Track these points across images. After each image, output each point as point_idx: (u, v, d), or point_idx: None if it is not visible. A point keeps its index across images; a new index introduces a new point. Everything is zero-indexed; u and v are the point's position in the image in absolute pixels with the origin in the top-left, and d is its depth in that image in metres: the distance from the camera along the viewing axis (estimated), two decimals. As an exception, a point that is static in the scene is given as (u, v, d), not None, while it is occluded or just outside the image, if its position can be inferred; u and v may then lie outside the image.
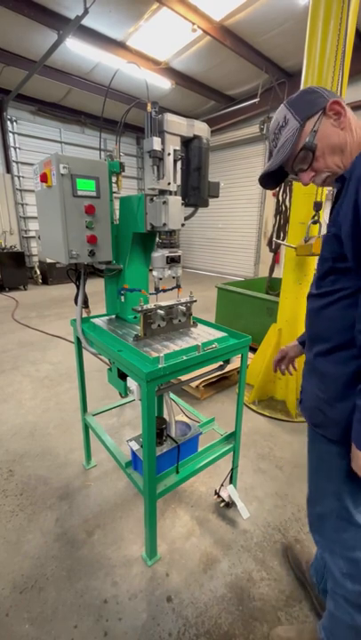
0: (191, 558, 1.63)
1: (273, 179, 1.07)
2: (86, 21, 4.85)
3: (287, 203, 3.91)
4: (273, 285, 4.48)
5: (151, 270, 1.59)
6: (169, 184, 1.40)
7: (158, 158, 1.37)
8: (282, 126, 0.97)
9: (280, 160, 0.96)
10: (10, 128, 8.04)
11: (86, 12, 4.34)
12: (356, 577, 1.03)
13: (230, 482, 1.93)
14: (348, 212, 0.82)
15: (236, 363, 1.79)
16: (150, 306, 1.54)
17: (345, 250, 0.86)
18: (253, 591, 1.50)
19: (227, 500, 1.86)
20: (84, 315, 1.83)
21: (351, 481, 0.98)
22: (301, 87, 2.37)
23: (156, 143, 1.31)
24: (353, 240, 0.83)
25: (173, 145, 1.37)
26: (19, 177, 8.38)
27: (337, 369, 0.94)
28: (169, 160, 1.37)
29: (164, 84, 6.82)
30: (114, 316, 1.90)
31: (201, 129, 1.43)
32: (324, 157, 0.93)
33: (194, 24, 4.87)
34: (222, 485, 1.92)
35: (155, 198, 1.41)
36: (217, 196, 1.60)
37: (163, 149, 1.35)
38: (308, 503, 1.17)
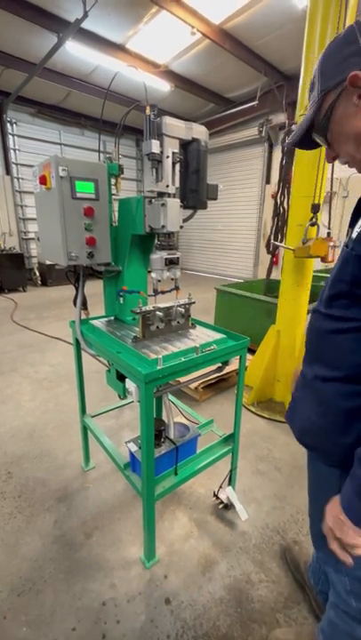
0: (190, 560, 1.63)
1: (308, 142, 0.89)
2: (86, 24, 4.87)
3: (285, 205, 3.93)
4: (272, 287, 4.49)
5: (150, 272, 1.59)
6: (167, 186, 1.41)
7: (157, 161, 1.38)
8: (312, 87, 0.80)
9: (299, 135, 0.86)
10: (10, 130, 8.06)
11: (86, 15, 4.36)
12: (360, 595, 0.99)
13: (229, 483, 1.93)
14: None
15: (234, 364, 1.79)
16: (149, 307, 1.54)
17: None
18: (252, 593, 1.50)
19: (225, 501, 1.85)
20: (83, 316, 1.83)
21: None
22: (300, 90, 2.38)
23: (155, 146, 1.32)
24: None
25: (172, 148, 1.38)
26: (18, 179, 8.40)
27: (339, 401, 0.84)
28: (168, 162, 1.38)
29: (163, 86, 6.85)
30: (113, 318, 1.90)
31: (199, 132, 1.44)
32: (339, 143, 0.80)
33: (193, 27, 4.90)
34: (221, 487, 1.92)
35: (153, 200, 1.42)
36: (215, 199, 1.61)
37: (161, 152, 1.36)
38: (311, 520, 1.13)
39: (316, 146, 0.91)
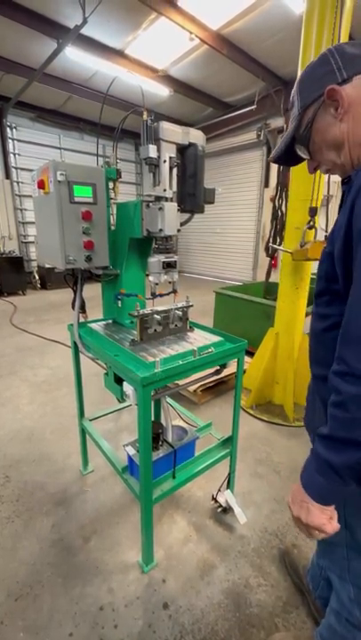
0: (188, 564, 1.63)
1: (290, 157, 0.96)
2: (85, 30, 4.91)
3: (283, 208, 3.95)
4: (270, 290, 4.50)
5: (148, 275, 1.60)
6: (165, 190, 1.42)
7: (154, 165, 1.39)
8: (291, 107, 0.88)
9: (281, 149, 0.92)
10: (9, 134, 8.10)
11: (85, 21, 4.40)
12: None
13: (227, 487, 1.92)
14: (341, 230, 0.73)
15: (233, 367, 1.79)
16: (147, 311, 1.55)
17: (337, 271, 0.77)
18: (250, 597, 1.49)
19: (224, 505, 1.85)
20: (82, 319, 1.84)
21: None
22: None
23: (152, 150, 1.33)
24: (343, 262, 0.74)
25: (169, 152, 1.39)
26: (18, 183, 8.43)
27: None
28: (165, 167, 1.39)
29: (162, 91, 6.90)
30: (111, 321, 1.91)
31: (196, 136, 1.46)
32: (321, 152, 0.86)
33: (191, 33, 4.94)
34: (219, 490, 1.91)
35: (151, 204, 1.43)
36: (213, 202, 1.62)
37: (159, 157, 1.37)
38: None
39: (296, 162, 0.98)
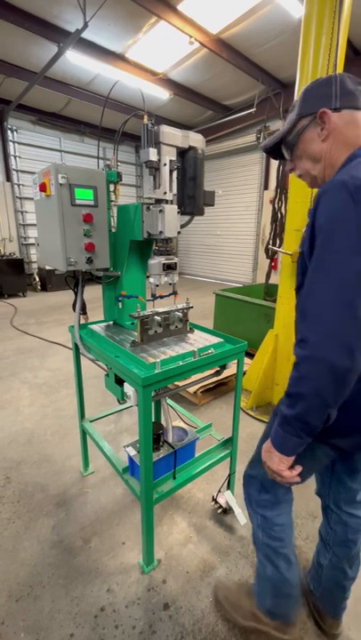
0: (188, 565, 1.63)
1: (276, 152, 1.08)
2: (86, 34, 4.96)
3: (283, 210, 3.97)
4: (270, 291, 4.51)
5: (148, 277, 1.61)
6: (165, 193, 1.43)
7: (154, 168, 1.41)
8: (292, 109, 0.99)
9: (272, 142, 1.04)
10: (10, 137, 8.14)
11: (86, 25, 4.44)
12: (265, 530, 1.20)
13: (228, 488, 1.93)
14: (308, 230, 0.83)
15: (233, 368, 1.80)
16: (147, 312, 1.56)
17: (308, 265, 0.86)
18: (251, 598, 1.49)
19: (224, 506, 1.85)
20: (82, 321, 1.85)
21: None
22: (295, 98, 2.43)
23: (153, 154, 1.35)
24: (310, 257, 0.84)
25: (169, 155, 1.41)
26: (18, 185, 8.47)
27: None
28: (165, 170, 1.41)
29: (162, 94, 6.94)
30: (111, 323, 1.92)
31: (196, 140, 1.47)
32: (300, 159, 0.99)
33: (191, 37, 4.98)
34: (220, 491, 1.92)
35: (151, 207, 1.45)
36: (212, 205, 1.64)
37: (159, 160, 1.39)
38: (249, 464, 1.28)
39: (281, 157, 1.09)
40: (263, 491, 1.19)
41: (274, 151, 1.08)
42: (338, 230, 0.77)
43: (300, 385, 0.79)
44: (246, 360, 3.10)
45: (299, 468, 0.95)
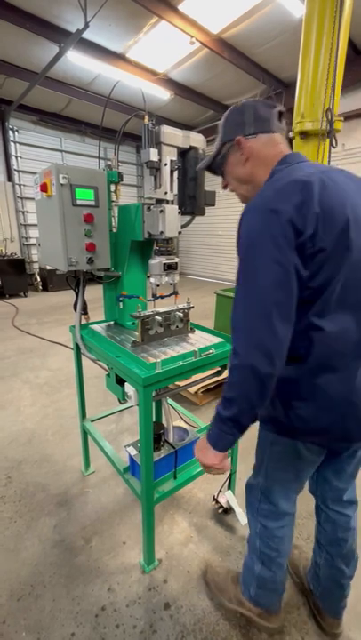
0: (189, 565, 1.63)
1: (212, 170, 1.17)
2: (87, 35, 4.96)
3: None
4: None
5: (149, 277, 1.62)
6: (166, 193, 1.44)
7: (155, 168, 1.41)
8: (217, 134, 1.09)
9: (205, 164, 1.15)
10: (11, 137, 8.16)
11: (87, 25, 4.45)
12: (263, 539, 1.22)
13: (228, 488, 1.93)
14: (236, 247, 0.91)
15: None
16: (148, 312, 1.56)
17: None
18: (251, 598, 1.49)
19: (225, 505, 1.86)
20: (84, 321, 1.85)
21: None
22: (296, 98, 2.43)
23: (153, 154, 1.35)
24: None
25: (170, 156, 1.41)
26: (20, 185, 8.49)
27: None
28: (166, 170, 1.41)
29: (163, 94, 6.95)
30: (112, 323, 1.92)
31: (196, 140, 1.48)
32: (231, 182, 1.09)
33: (192, 37, 4.98)
34: (220, 491, 1.92)
35: (152, 207, 1.45)
36: (213, 205, 1.64)
37: (159, 160, 1.39)
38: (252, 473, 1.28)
39: (218, 174, 1.17)
40: (264, 500, 1.20)
41: (210, 169, 1.17)
42: (253, 245, 0.84)
43: (233, 390, 0.89)
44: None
45: (229, 458, 1.07)
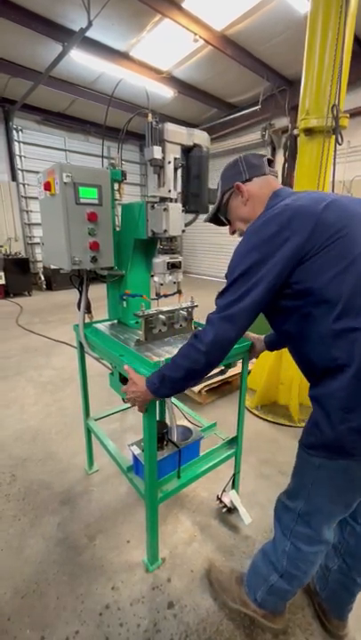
0: (193, 564, 1.63)
1: (218, 221, 1.33)
2: (90, 33, 4.95)
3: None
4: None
5: (152, 276, 1.61)
6: (169, 191, 1.43)
7: (159, 166, 1.40)
8: (217, 188, 1.26)
9: (211, 215, 1.31)
10: (15, 137, 8.18)
11: (90, 24, 4.44)
12: (293, 560, 1.16)
13: (232, 487, 1.93)
14: None
15: (238, 367, 1.79)
16: (152, 311, 1.56)
17: None
18: (255, 598, 1.48)
19: (229, 505, 1.85)
20: (87, 320, 1.85)
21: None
22: (301, 95, 2.41)
23: (157, 152, 1.34)
24: None
25: (174, 153, 1.40)
26: (24, 184, 8.51)
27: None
28: (169, 168, 1.40)
29: (166, 92, 6.92)
30: (116, 321, 1.92)
31: (200, 138, 1.46)
32: (235, 222, 1.24)
33: (195, 34, 4.96)
34: (224, 491, 1.91)
35: (155, 205, 1.44)
36: (217, 203, 1.62)
37: (163, 158, 1.38)
38: (286, 493, 1.20)
39: (223, 224, 1.33)
40: (303, 524, 1.12)
41: (217, 220, 1.32)
42: (232, 262, 1.01)
43: (185, 361, 1.07)
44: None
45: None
